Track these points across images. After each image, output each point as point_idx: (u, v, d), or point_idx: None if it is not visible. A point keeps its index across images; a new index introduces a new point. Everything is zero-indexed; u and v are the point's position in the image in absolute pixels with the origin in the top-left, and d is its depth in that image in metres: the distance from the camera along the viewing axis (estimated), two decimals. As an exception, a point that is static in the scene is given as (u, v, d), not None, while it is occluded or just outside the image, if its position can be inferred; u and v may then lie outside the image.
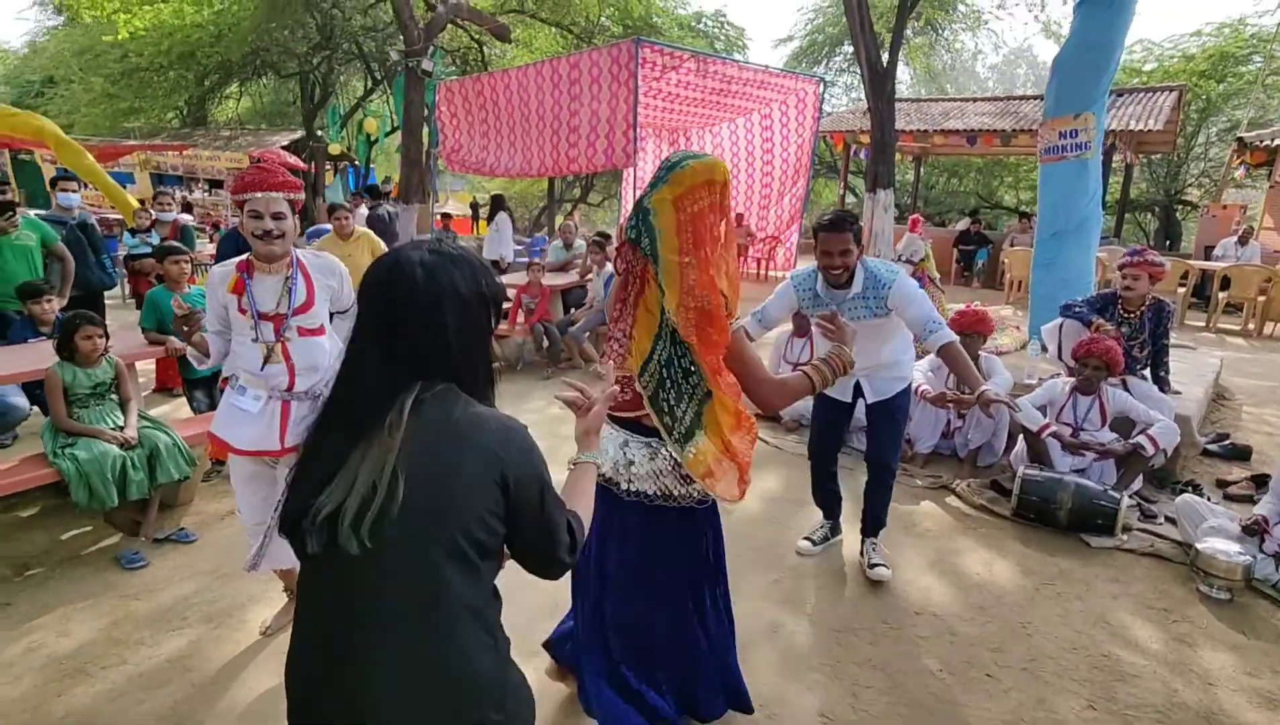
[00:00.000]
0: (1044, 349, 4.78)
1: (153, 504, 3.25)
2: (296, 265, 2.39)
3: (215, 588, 2.97)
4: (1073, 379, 4.01)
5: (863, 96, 14.18)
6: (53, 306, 4.09)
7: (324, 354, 2.44)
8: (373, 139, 20.52)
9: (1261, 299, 8.58)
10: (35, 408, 4.11)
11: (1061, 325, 4.42)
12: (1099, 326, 4.09)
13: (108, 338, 3.29)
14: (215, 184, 17.87)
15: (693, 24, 21.51)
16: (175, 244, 4.26)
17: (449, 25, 14.43)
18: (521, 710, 1.21)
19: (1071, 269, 5.35)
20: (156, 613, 2.79)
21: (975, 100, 15.22)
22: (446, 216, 11.20)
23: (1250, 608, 3.00)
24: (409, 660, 1.08)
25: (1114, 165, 16.71)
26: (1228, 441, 4.53)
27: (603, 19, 16.81)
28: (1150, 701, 2.43)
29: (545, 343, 6.42)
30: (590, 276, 7.06)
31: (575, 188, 21.77)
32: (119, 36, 14.29)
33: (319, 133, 20.00)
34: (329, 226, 5.27)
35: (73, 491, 3.03)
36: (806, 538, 3.38)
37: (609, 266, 6.51)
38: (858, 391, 3.07)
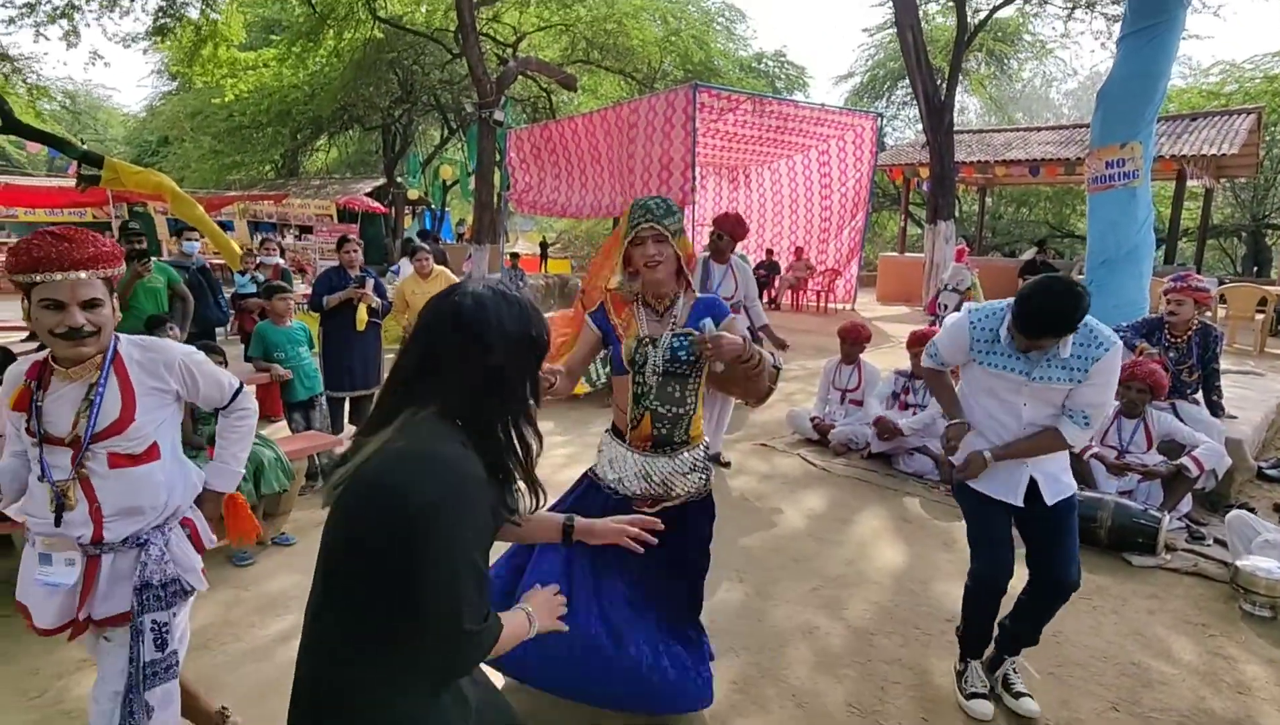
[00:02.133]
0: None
1: (258, 510, 3.72)
2: (110, 365, 1.70)
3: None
4: (1117, 402, 4.08)
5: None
6: (174, 335, 4.70)
7: (153, 489, 1.76)
8: (448, 184, 21.78)
9: (1349, 325, 8.22)
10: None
11: (1106, 350, 4.48)
12: (1142, 350, 4.16)
13: (227, 365, 3.81)
14: (305, 230, 19.28)
15: (753, 65, 22.09)
16: (280, 283, 4.84)
17: (519, 76, 15.34)
18: None
19: (1124, 296, 5.37)
20: (263, 601, 3.21)
21: (1039, 130, 15.09)
22: (515, 256, 11.83)
23: (1293, 625, 3.02)
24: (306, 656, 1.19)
25: (1193, 191, 16.21)
26: (1289, 467, 4.47)
27: (664, 64, 17.49)
28: (1175, 706, 2.52)
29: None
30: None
31: (639, 226, 22.33)
32: (225, 99, 15.79)
33: (399, 179, 21.34)
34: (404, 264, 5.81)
35: (195, 497, 3.51)
36: (977, 695, 2.46)
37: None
38: (1031, 492, 2.33)
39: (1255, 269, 16.49)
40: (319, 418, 4.63)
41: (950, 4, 14.29)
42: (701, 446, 2.32)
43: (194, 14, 13.65)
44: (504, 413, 1.23)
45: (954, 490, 2.56)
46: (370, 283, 5.20)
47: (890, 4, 13.05)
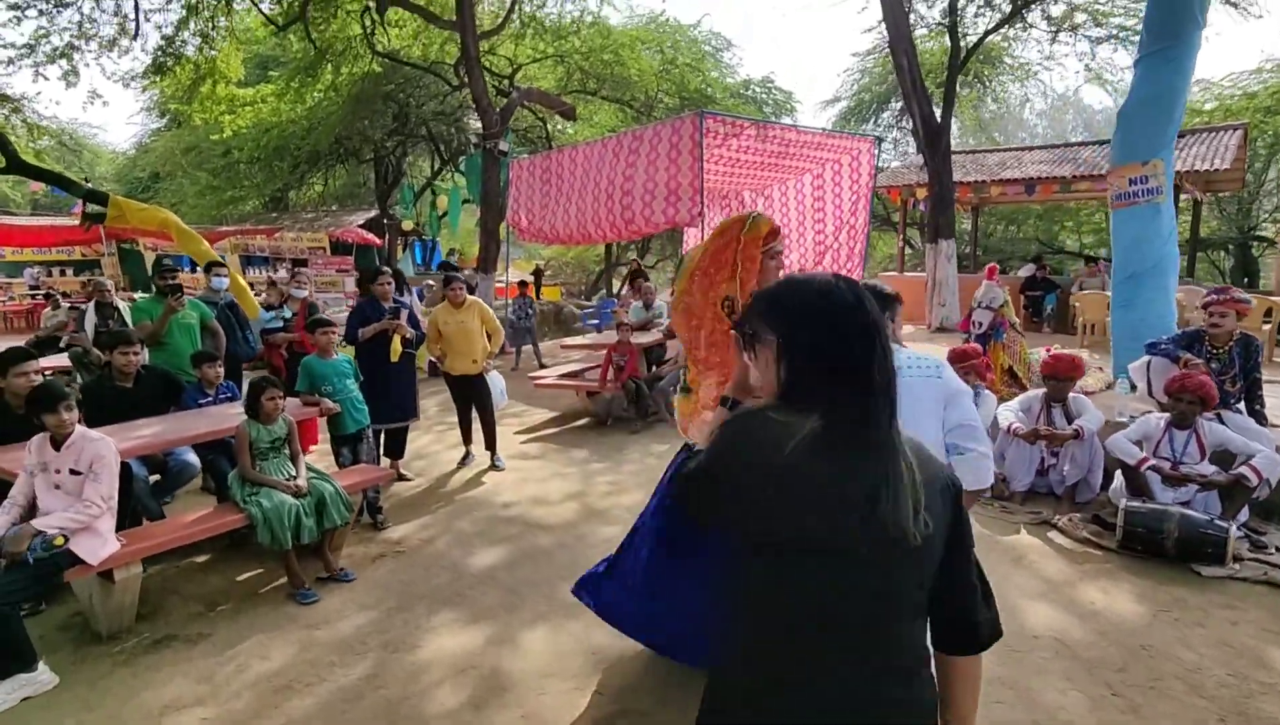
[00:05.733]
0: (1133, 387, 4.87)
1: (325, 545, 3.67)
2: None
3: (383, 619, 3.32)
4: (1167, 414, 4.13)
5: (911, 150, 14.45)
6: (219, 371, 4.65)
7: None
8: (441, 214, 21.84)
9: (1354, 332, 8.38)
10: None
11: (1149, 363, 4.55)
12: (1188, 362, 4.22)
13: (285, 398, 3.76)
14: (299, 262, 19.18)
15: (742, 90, 22.40)
16: (326, 317, 4.81)
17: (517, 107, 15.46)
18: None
19: (1151, 309, 5.46)
20: (339, 640, 3.14)
21: (1031, 149, 15.39)
22: (523, 283, 11.80)
23: (1375, 631, 3.04)
24: (889, 652, 1.14)
25: (1181, 205, 16.55)
26: (1335, 473, 4.51)
27: (659, 92, 17.71)
28: (1282, 716, 2.52)
29: (636, 398, 6.77)
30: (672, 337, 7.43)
31: (631, 251, 22.43)
32: (223, 135, 15.78)
33: (392, 210, 21.34)
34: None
35: (259, 533, 3.46)
36: None
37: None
38: None
39: (1245, 280, 16.82)
40: (366, 451, 4.57)
41: (941, 26, 14.63)
42: None
43: (192, 52, 13.69)
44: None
45: None
46: (404, 314, 5.19)
47: (883, 29, 13.33)
